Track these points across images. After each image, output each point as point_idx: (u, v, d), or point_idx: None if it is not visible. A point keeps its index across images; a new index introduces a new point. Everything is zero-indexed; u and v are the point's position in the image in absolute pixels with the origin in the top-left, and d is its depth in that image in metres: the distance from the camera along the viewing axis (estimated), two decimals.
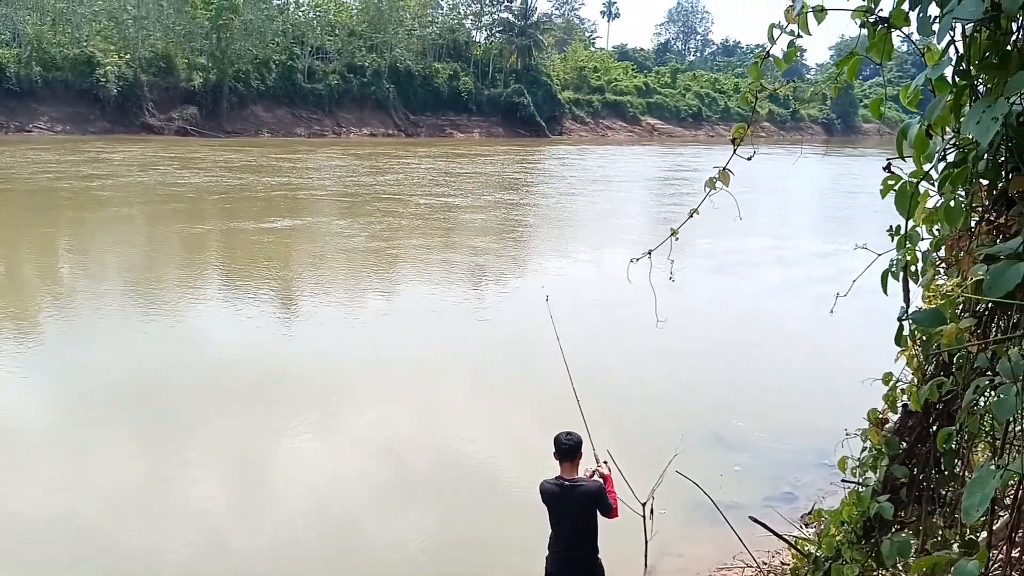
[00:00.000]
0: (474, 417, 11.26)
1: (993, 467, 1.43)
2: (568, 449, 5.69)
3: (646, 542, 7.89)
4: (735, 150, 2.32)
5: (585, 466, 5.90)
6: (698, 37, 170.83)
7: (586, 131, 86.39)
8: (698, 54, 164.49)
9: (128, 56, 61.54)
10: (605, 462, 6.12)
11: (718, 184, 2.38)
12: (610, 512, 5.69)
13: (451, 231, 26.13)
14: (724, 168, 2.33)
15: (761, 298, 18.36)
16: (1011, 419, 1.59)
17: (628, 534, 7.90)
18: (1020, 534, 1.83)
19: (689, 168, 49.38)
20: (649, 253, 2.49)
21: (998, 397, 1.43)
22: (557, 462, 5.75)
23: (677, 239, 2.52)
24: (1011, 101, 1.47)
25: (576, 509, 5.64)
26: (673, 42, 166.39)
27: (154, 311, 15.90)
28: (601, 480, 5.84)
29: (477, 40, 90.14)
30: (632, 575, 7.67)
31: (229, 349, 13.44)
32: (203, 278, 19.25)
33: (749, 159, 2.37)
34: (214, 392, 11.62)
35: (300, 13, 76.49)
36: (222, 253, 22.05)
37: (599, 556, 5.74)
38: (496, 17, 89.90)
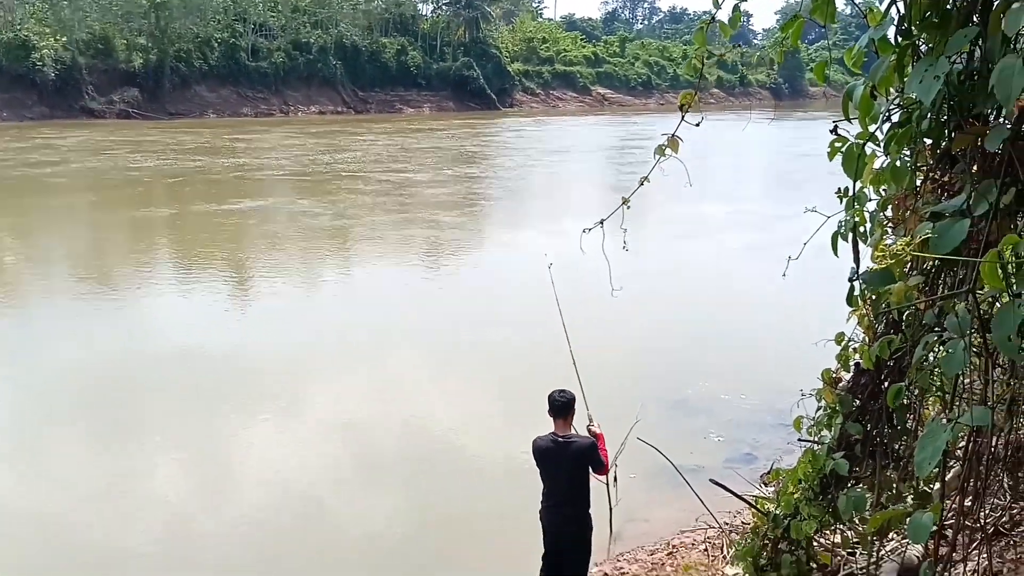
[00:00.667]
0: (437, 392, 11.28)
1: (944, 421, 1.46)
2: (561, 406, 5.81)
3: (610, 509, 7.98)
4: (683, 116, 2.32)
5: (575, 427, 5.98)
6: (645, 5, 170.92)
7: (537, 102, 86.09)
8: (646, 22, 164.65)
9: (64, 39, 59.62)
10: (597, 423, 6.27)
11: (667, 151, 2.38)
12: (601, 468, 5.83)
13: (414, 207, 25.93)
14: (673, 135, 2.33)
15: (718, 263, 18.57)
16: (959, 373, 1.63)
17: (593, 502, 8.00)
18: (972, 484, 1.88)
19: (644, 136, 49.50)
20: (601, 223, 2.50)
21: (946, 352, 1.46)
22: (551, 419, 5.86)
23: (629, 207, 2.53)
24: (951, 60, 1.49)
25: (569, 465, 5.74)
26: (620, 11, 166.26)
27: (117, 298, 15.65)
28: (593, 437, 5.95)
29: (424, 14, 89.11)
30: (598, 542, 7.77)
31: (194, 334, 13.26)
32: (168, 263, 18.98)
33: (697, 125, 2.37)
34: (183, 378, 11.49)
35: None
36: (186, 237, 21.69)
37: (590, 512, 5.86)
38: None
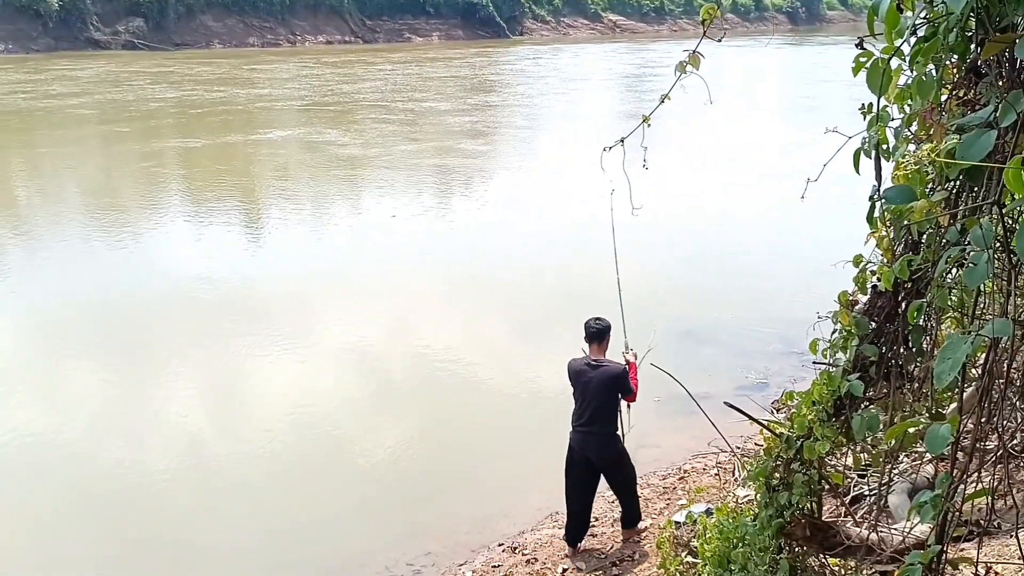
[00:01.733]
0: (453, 321, 11.39)
1: (964, 333, 1.47)
2: (596, 332, 6.21)
3: (623, 435, 8.10)
4: (704, 32, 2.27)
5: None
6: None
7: (547, 30, 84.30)
8: None
9: None
10: (633, 351, 6.53)
11: (688, 68, 2.35)
12: (629, 394, 6.20)
13: (440, 135, 25.78)
14: (694, 51, 2.29)
15: (737, 190, 18.41)
16: (980, 288, 1.63)
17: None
18: (990, 400, 1.90)
19: (662, 64, 48.52)
20: (622, 140, 2.48)
21: (970, 265, 1.46)
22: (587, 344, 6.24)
23: (649, 125, 2.50)
24: None
25: (598, 387, 6.06)
26: None
27: (156, 226, 15.96)
28: (626, 363, 6.26)
29: None
30: None
31: (223, 262, 13.49)
32: (206, 193, 19.11)
33: (719, 41, 2.33)
34: (211, 304, 11.72)
35: None
36: (221, 168, 21.72)
37: (616, 434, 6.22)
38: None
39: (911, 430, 2.14)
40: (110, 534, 6.99)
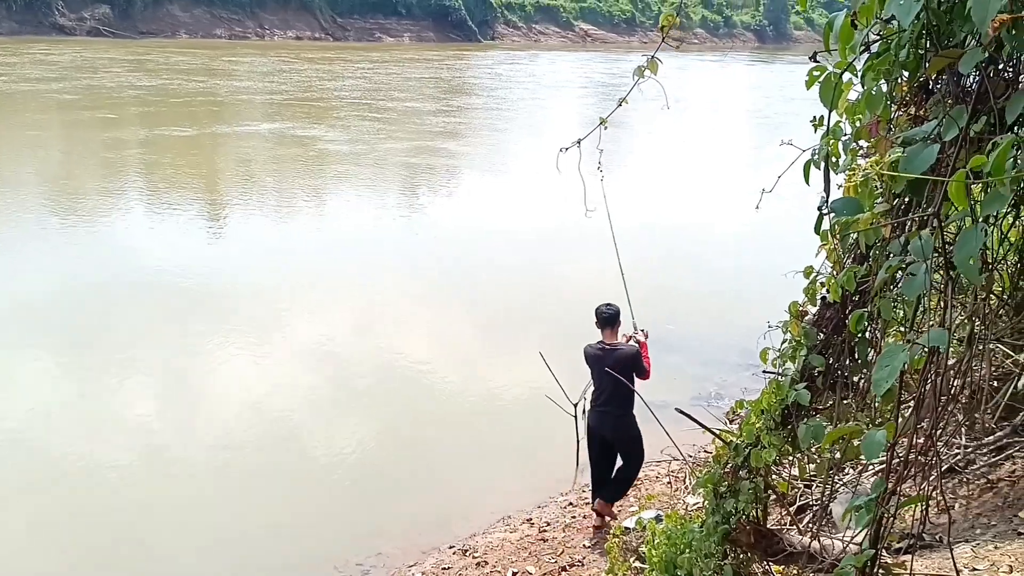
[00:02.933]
0: (421, 322, 11.37)
1: (903, 342, 1.50)
2: (608, 317, 6.50)
3: (577, 441, 8.14)
4: (664, 38, 2.30)
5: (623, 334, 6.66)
6: None
7: (519, 36, 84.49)
8: None
9: None
10: (643, 330, 6.82)
11: (647, 72, 2.37)
12: (644, 374, 6.47)
13: (424, 135, 25.87)
14: (652, 56, 2.32)
15: (696, 200, 18.61)
16: (920, 298, 1.67)
17: (562, 434, 8.15)
18: (931, 410, 1.94)
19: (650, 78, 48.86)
20: (578, 142, 2.50)
21: (909, 276, 1.49)
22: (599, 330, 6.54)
23: (606, 128, 2.53)
24: None
25: (613, 368, 6.32)
26: None
27: (119, 216, 15.70)
28: (637, 345, 6.55)
29: None
30: (565, 473, 7.94)
31: (193, 255, 13.27)
32: (195, 183, 18.99)
33: (677, 47, 2.36)
34: (184, 293, 11.58)
35: None
36: (213, 158, 21.74)
37: (633, 413, 6.45)
38: None
39: (852, 439, 2.18)
40: (60, 533, 6.82)
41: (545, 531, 6.89)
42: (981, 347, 4.26)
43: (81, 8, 59.17)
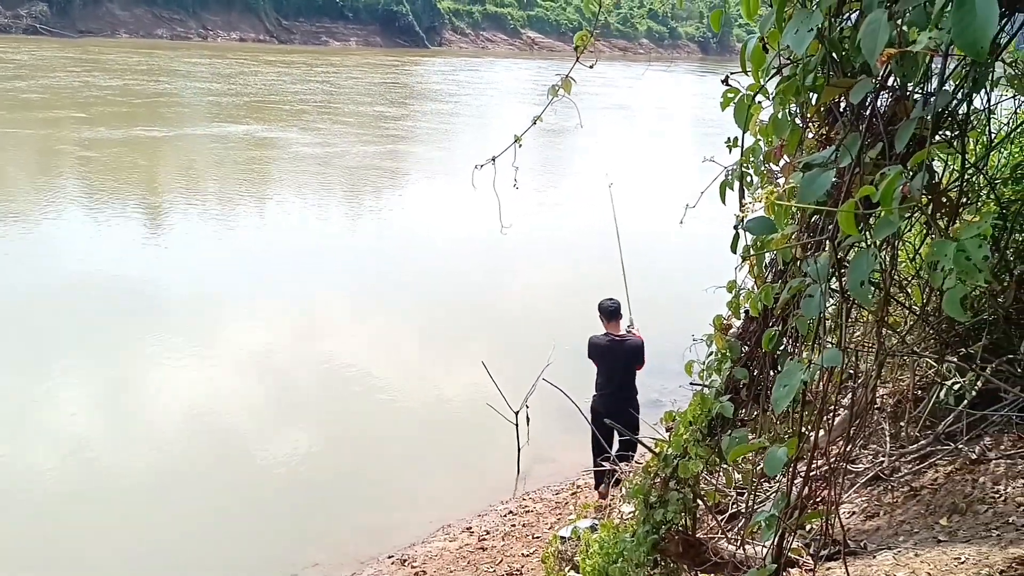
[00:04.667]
0: (365, 330, 11.29)
1: (799, 361, 1.54)
2: (613, 310, 7.01)
3: (519, 449, 8.17)
4: (578, 58, 2.34)
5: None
6: None
7: (466, 43, 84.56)
8: None
9: None
10: (637, 327, 7.39)
11: (560, 92, 2.40)
12: (641, 364, 7.08)
13: (395, 139, 26.15)
14: (567, 76, 2.34)
15: (631, 211, 18.78)
16: (819, 318, 1.71)
17: (502, 442, 8.17)
18: (828, 420, 1.99)
19: (603, 84, 49.39)
20: (493, 159, 2.51)
21: (807, 297, 1.54)
22: (604, 322, 7.04)
23: (520, 146, 2.55)
24: (825, 13, 1.54)
25: (624, 359, 6.93)
26: None
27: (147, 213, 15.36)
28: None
29: None
30: (506, 481, 7.96)
31: (168, 259, 12.97)
32: (177, 185, 18.79)
33: (591, 67, 2.40)
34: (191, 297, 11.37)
35: None
36: (186, 161, 21.43)
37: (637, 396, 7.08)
38: None
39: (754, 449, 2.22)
40: None
41: (485, 540, 6.89)
42: (902, 360, 4.39)
43: (17, 5, 57.57)
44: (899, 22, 1.37)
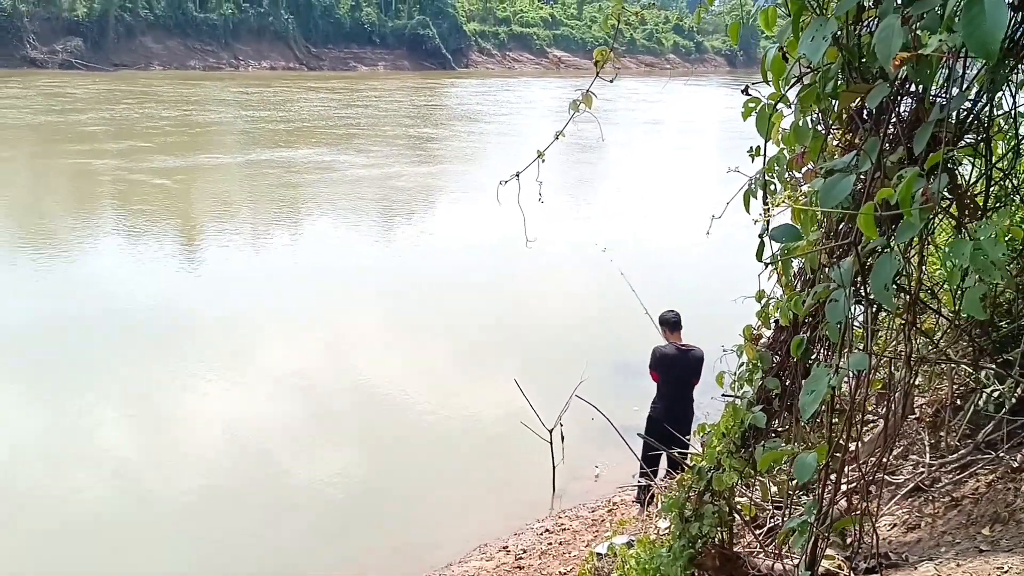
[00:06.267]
0: (392, 353, 11.35)
1: (828, 366, 1.54)
2: (677, 321, 7.24)
3: (553, 467, 8.14)
4: (597, 73, 2.36)
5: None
6: None
7: (493, 63, 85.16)
8: None
9: None
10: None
11: (581, 106, 2.42)
12: (699, 378, 7.15)
13: (445, 159, 27.07)
14: (587, 91, 2.37)
15: (657, 224, 18.76)
16: (846, 322, 1.71)
17: (537, 460, 8.15)
18: (857, 428, 1.97)
19: (638, 99, 49.52)
20: (517, 175, 2.53)
21: (831, 302, 1.53)
22: (667, 334, 7.24)
23: (544, 161, 2.57)
24: (841, 20, 1.55)
25: (692, 367, 7.08)
26: None
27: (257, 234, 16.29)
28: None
29: None
30: (542, 499, 7.93)
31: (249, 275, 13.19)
32: (250, 212, 19.33)
33: (611, 81, 2.42)
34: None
35: None
36: (256, 185, 22.13)
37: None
38: None
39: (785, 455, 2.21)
40: (27, 571, 6.72)
41: (521, 559, 6.86)
42: (940, 369, 4.33)
43: (52, 40, 59.10)
44: (913, 27, 1.38)
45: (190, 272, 14.48)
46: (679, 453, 6.96)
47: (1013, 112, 2.51)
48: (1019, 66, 2.03)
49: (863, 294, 1.73)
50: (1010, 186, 3.28)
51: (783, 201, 2.05)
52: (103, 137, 27.83)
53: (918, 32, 1.40)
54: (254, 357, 10.82)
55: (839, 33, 1.62)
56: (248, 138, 30.08)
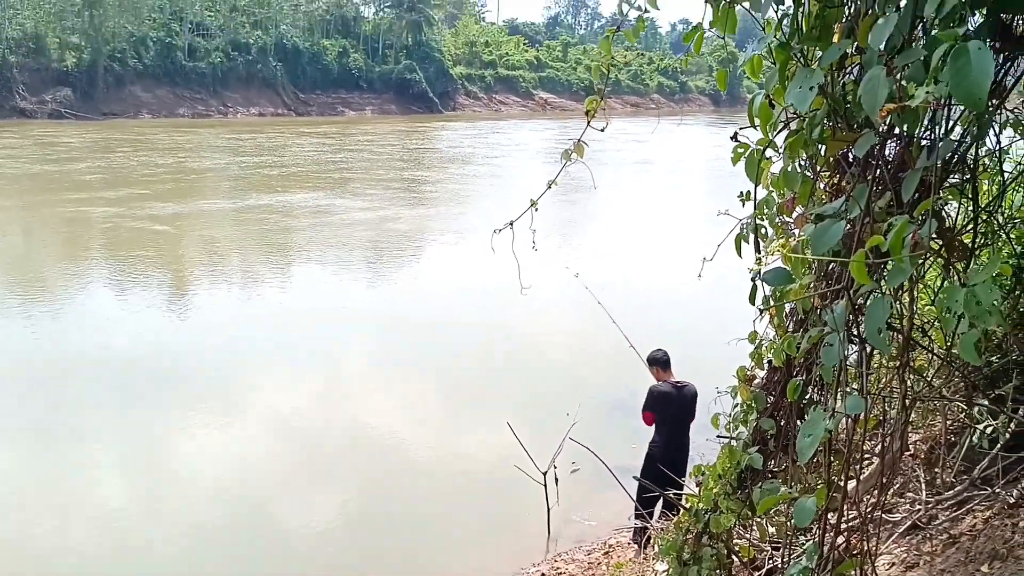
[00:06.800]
0: (384, 397, 11.30)
1: (824, 410, 1.55)
2: (668, 359, 7.29)
3: (548, 510, 8.07)
4: (588, 122, 2.39)
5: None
6: (588, 10, 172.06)
7: (480, 106, 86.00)
8: (588, 28, 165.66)
9: None
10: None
11: (573, 156, 2.46)
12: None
13: (440, 201, 27.51)
14: (579, 140, 2.40)
15: (647, 266, 18.85)
16: (840, 365, 1.72)
17: (532, 503, 8.09)
18: (856, 471, 1.97)
19: (624, 139, 50.09)
20: (511, 224, 2.56)
21: (827, 345, 1.55)
22: (657, 372, 7.28)
23: (537, 210, 2.60)
24: (827, 71, 1.58)
25: (686, 405, 7.12)
26: (563, 16, 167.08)
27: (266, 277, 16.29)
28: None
29: (366, 16, 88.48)
30: (537, 543, 7.86)
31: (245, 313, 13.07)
32: (239, 262, 19.19)
33: (602, 130, 2.45)
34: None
35: None
36: (257, 230, 22.19)
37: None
38: None
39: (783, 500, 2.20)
40: None
41: None
42: (933, 405, 4.34)
43: (42, 91, 59.33)
44: (898, 76, 1.41)
45: (185, 318, 14.46)
46: (675, 494, 6.95)
47: (997, 151, 2.56)
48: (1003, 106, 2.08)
49: (857, 336, 1.75)
50: (996, 223, 3.33)
51: (775, 251, 2.07)
52: (100, 185, 28.00)
53: (903, 83, 1.43)
54: (247, 401, 10.75)
55: (825, 81, 1.65)
56: (245, 183, 30.27)
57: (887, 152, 1.76)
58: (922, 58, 1.37)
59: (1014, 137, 3.35)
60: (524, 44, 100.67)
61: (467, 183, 32.80)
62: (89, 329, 13.47)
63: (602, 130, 2.48)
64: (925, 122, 1.66)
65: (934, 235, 1.37)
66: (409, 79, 79.34)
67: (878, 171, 1.64)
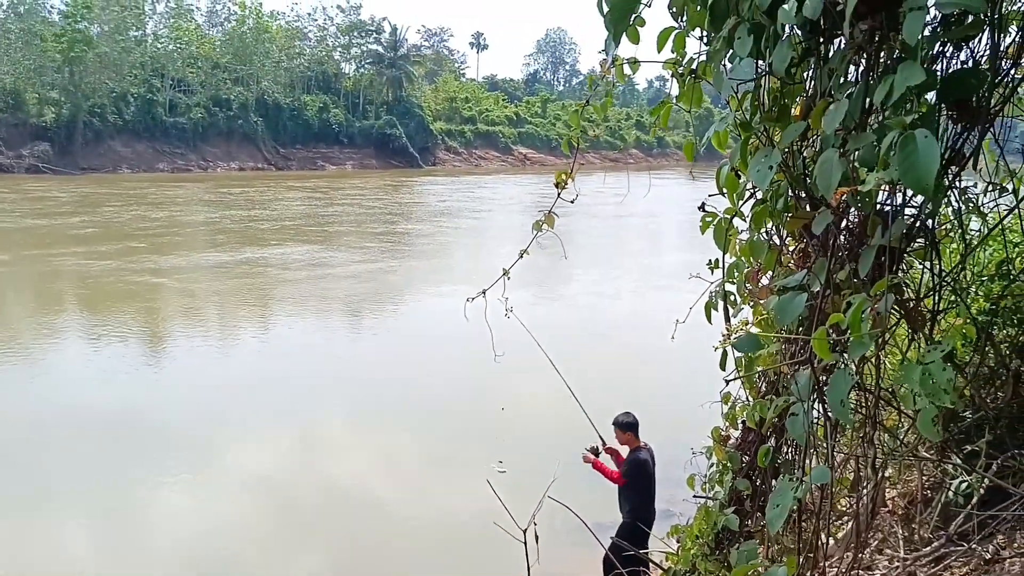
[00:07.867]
0: (361, 453, 11.20)
1: (791, 480, 1.57)
2: (636, 422, 7.24)
3: (528, 568, 7.96)
4: (559, 194, 2.45)
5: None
6: (566, 67, 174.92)
7: (459, 161, 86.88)
8: (566, 84, 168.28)
9: None
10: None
11: (544, 227, 2.51)
12: None
13: (429, 254, 28.19)
14: (550, 211, 2.46)
15: (618, 326, 18.94)
16: (806, 434, 1.75)
17: (511, 560, 7.97)
18: (825, 538, 1.99)
19: (592, 201, 50.76)
20: (483, 292, 2.61)
21: (791, 415, 1.58)
22: (624, 438, 7.27)
23: (509, 279, 2.64)
24: (785, 151, 1.64)
25: (654, 465, 7.23)
26: (542, 72, 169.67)
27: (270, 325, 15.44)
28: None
29: (347, 72, 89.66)
30: None
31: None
32: (216, 317, 19.21)
33: (572, 202, 2.51)
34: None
35: (159, 45, 74.00)
36: (259, 282, 22.45)
37: None
38: (365, 49, 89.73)
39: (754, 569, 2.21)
40: None
41: None
42: (910, 461, 4.36)
43: (20, 145, 59.33)
44: (852, 159, 1.47)
45: (201, 370, 14.42)
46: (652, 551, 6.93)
47: (959, 217, 2.63)
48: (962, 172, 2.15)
49: (823, 404, 1.78)
50: (964, 280, 3.39)
51: (742, 327, 2.11)
52: (95, 239, 28.15)
53: (856, 164, 1.49)
54: (221, 462, 10.61)
55: (785, 156, 1.71)
56: (240, 237, 30.65)
57: (850, 221, 1.82)
58: (873, 143, 1.43)
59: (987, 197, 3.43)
60: (504, 100, 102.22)
61: (458, 236, 33.51)
62: (93, 382, 13.33)
63: (572, 202, 2.53)
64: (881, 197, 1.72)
65: (895, 307, 1.41)
66: (390, 134, 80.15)
67: (838, 244, 1.69)
